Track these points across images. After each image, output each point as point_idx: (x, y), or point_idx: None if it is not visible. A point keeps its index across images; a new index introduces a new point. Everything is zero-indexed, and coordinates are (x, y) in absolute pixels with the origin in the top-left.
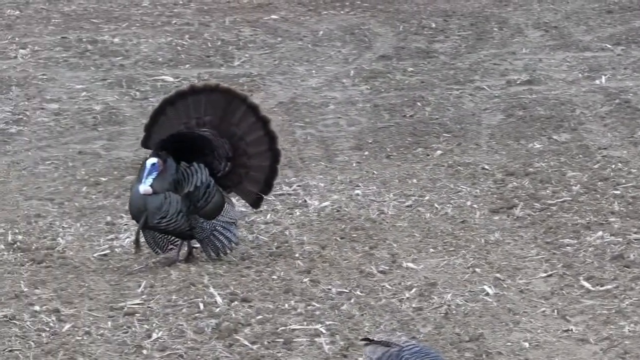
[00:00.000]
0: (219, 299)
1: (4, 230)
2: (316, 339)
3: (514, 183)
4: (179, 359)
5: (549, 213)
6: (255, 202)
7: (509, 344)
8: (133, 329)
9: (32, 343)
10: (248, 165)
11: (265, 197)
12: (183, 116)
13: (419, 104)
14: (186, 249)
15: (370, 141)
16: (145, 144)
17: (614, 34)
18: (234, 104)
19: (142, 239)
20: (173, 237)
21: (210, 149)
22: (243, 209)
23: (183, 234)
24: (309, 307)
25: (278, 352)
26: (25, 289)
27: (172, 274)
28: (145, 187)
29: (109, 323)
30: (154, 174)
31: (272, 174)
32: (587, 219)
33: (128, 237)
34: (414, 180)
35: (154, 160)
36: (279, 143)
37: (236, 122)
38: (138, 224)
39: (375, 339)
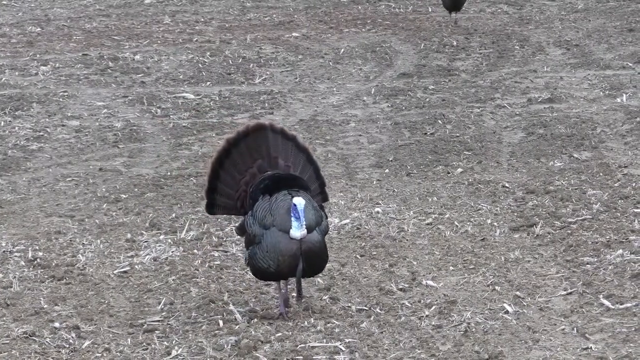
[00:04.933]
0: (238, 316)
1: (24, 247)
2: (335, 357)
3: (535, 201)
4: None
5: (569, 231)
6: None
7: None
8: (153, 346)
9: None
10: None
11: None
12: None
13: (439, 121)
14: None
15: (390, 159)
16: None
17: (636, 52)
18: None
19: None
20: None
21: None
22: None
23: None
24: (328, 325)
25: None
26: (45, 306)
27: (192, 291)
28: (302, 231)
29: (129, 340)
30: (302, 215)
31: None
32: (607, 237)
33: (148, 255)
34: (434, 198)
35: (302, 200)
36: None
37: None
38: (275, 270)
39: None
